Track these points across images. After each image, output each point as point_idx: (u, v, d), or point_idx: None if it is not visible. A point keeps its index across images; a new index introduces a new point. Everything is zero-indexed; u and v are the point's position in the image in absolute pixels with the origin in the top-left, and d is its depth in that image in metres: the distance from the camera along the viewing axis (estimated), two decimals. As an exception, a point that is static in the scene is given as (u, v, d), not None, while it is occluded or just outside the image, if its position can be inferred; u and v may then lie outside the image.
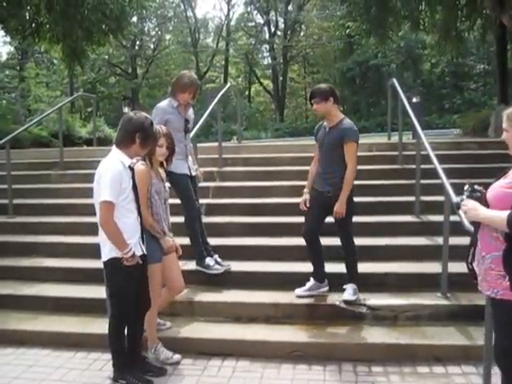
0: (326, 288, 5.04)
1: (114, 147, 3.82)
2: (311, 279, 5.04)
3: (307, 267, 5.32)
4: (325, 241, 5.02)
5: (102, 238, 3.78)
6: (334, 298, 4.88)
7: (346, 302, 4.80)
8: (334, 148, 4.78)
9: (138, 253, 3.79)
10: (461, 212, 3.10)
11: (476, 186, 2.94)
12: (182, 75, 5.40)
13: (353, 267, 4.91)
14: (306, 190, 5.06)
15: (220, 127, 9.56)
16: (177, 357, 4.30)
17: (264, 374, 4.12)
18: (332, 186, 4.78)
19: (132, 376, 3.93)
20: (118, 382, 3.95)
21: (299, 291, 5.01)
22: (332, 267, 5.08)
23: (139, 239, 3.86)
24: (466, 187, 2.97)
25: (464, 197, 2.93)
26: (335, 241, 4.96)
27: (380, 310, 4.73)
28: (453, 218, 4.57)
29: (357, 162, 4.79)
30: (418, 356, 4.24)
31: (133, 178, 3.82)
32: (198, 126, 6.63)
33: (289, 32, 42.28)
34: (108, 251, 3.77)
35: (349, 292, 4.82)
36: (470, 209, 2.87)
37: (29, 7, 13.17)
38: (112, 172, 3.65)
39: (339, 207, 4.68)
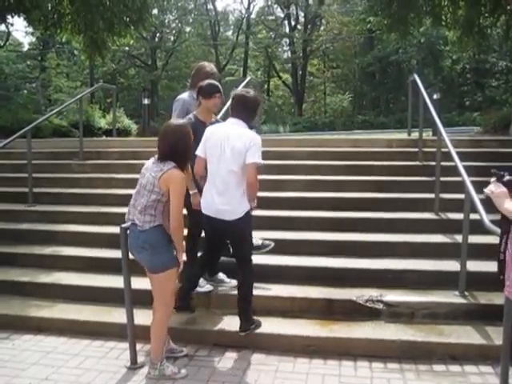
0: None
1: (237, 121, 4.30)
2: None
3: (324, 261, 5.33)
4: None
5: (238, 199, 4.24)
6: (352, 294, 4.87)
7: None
8: None
9: None
10: (486, 193, 2.89)
11: (505, 174, 2.80)
12: (202, 66, 5.39)
13: None
14: None
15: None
16: (183, 372, 4.05)
17: (279, 368, 4.13)
18: None
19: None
20: (249, 329, 4.36)
21: None
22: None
23: None
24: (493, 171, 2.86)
25: (492, 179, 2.83)
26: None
27: (397, 306, 4.71)
28: (473, 216, 4.53)
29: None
30: (435, 354, 4.22)
31: None
32: (218, 118, 6.61)
33: (309, 26, 41.99)
34: (244, 206, 4.27)
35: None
36: (497, 194, 2.76)
37: (51, -2, 13.26)
38: (259, 139, 4.22)
39: None
